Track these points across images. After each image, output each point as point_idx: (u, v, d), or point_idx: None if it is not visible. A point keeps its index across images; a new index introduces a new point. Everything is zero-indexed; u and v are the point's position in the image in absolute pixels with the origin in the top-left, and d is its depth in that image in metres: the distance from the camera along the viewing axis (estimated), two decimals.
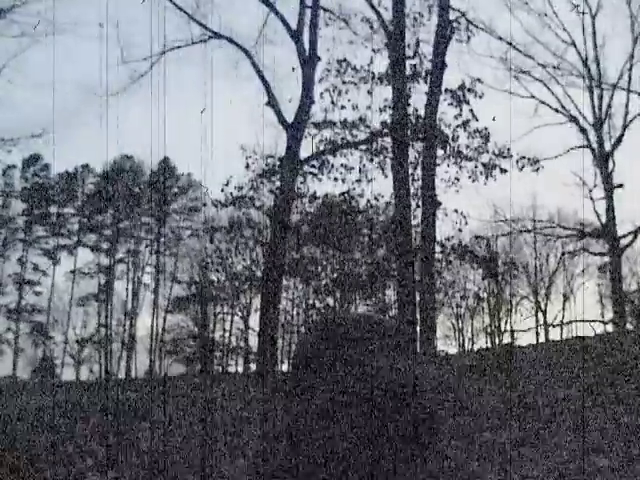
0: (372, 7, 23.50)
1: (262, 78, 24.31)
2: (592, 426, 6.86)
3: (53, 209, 60.74)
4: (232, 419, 7.90)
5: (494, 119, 23.03)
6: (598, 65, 34.62)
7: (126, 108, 57.79)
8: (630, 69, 33.73)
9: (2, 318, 57.26)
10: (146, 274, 60.36)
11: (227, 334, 54.47)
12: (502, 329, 51.98)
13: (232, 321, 53.80)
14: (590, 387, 8.98)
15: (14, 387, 30.18)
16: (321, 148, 24.10)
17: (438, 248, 21.90)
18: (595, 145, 34.34)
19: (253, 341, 48.31)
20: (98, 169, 61.06)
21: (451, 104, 23.28)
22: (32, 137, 29.43)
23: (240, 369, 49.61)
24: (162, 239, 59.67)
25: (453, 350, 41.74)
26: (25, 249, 59.06)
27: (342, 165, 23.87)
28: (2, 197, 58.14)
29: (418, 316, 19.35)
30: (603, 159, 33.73)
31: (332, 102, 23.81)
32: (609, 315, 41.32)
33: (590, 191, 34.05)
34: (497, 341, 47.43)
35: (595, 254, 40.14)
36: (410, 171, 20.91)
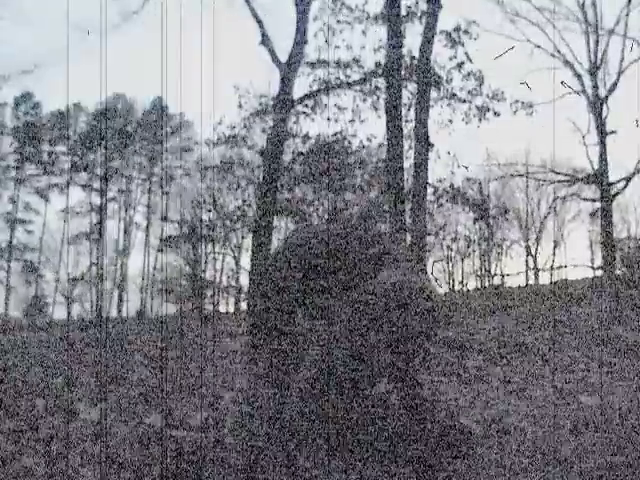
0: None
1: (256, 17, 24.04)
2: (578, 365, 6.92)
3: (45, 147, 60.52)
4: (222, 354, 7.96)
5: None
6: (595, 10, 34.40)
7: (118, 46, 57.46)
8: (627, 15, 33.48)
9: None
10: (138, 213, 60.44)
11: (218, 273, 54.70)
12: (492, 272, 52.30)
13: (223, 261, 53.96)
14: (578, 327, 9.06)
15: (5, 325, 30.29)
16: (314, 88, 24.02)
17: (430, 190, 21.92)
18: (590, 91, 34.23)
19: (244, 281, 48.50)
20: (90, 108, 60.79)
21: (446, 45, 23.20)
22: (23, 72, 29.26)
23: (231, 308, 49.87)
24: (154, 178, 59.62)
25: (443, 292, 41.89)
26: (17, 188, 58.93)
27: (335, 105, 23.84)
28: None
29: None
30: (597, 105, 33.65)
31: (326, 42, 23.68)
32: (599, 261, 41.55)
33: (583, 137, 34.04)
34: (487, 284, 47.72)
35: (587, 200, 40.22)
36: (403, 112, 20.84)
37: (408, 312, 3.29)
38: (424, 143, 20.01)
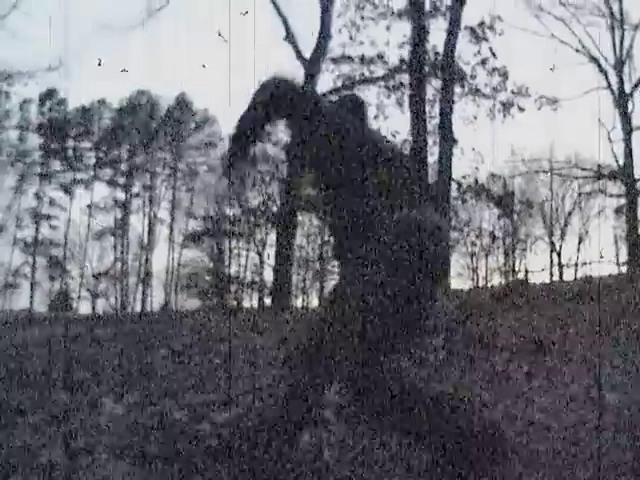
0: None
1: (280, 13, 24.06)
2: (603, 362, 6.89)
3: (69, 143, 60.76)
4: (247, 349, 7.98)
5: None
6: (620, 4, 34.19)
7: (143, 42, 57.68)
8: None
9: (19, 252, 57.73)
10: (162, 209, 60.60)
11: (242, 269, 54.74)
12: (516, 269, 52.13)
13: (247, 256, 53.98)
14: (603, 324, 9.02)
15: (31, 319, 30.47)
16: (338, 84, 24.01)
17: (454, 186, 21.88)
18: (615, 86, 34.06)
19: (268, 276, 48.49)
20: (114, 104, 61.05)
21: (470, 41, 23.12)
22: (49, 69, 29.39)
23: (255, 304, 49.91)
24: (178, 174, 59.77)
25: (467, 288, 41.84)
26: (42, 183, 59.23)
27: None
28: (19, 131, 58.16)
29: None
30: (623, 101, 33.48)
31: (350, 38, 23.68)
32: (624, 257, 41.34)
33: (609, 133, 33.91)
34: (511, 280, 47.53)
35: (612, 196, 40.05)
36: (427, 108, 20.80)
37: (423, 257, 3.12)
38: (448, 139, 19.98)
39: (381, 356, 2.92)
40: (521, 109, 24.08)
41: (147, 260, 58.35)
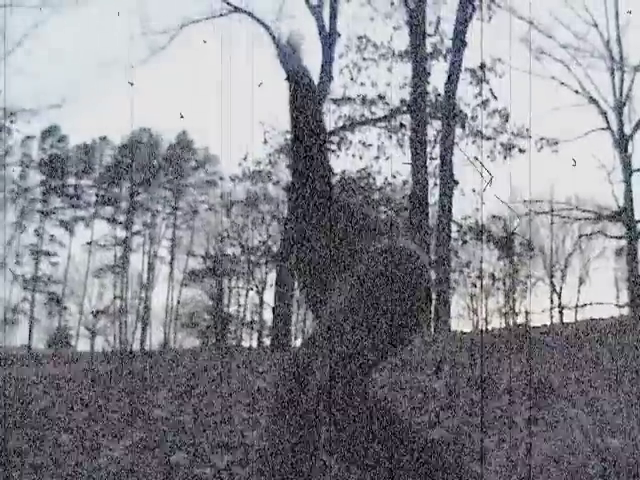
0: None
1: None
2: (605, 407, 6.85)
3: (70, 181, 61.00)
4: (246, 390, 7.94)
5: None
6: (620, 47, 34.41)
7: (145, 81, 58.03)
8: None
9: (18, 288, 57.68)
10: (162, 247, 60.69)
11: (242, 308, 54.63)
12: (517, 310, 51.97)
13: (247, 295, 53.90)
14: (604, 368, 8.98)
15: (29, 356, 30.38)
16: (340, 124, 24.10)
17: (454, 227, 21.92)
18: (615, 128, 34.18)
19: (268, 316, 48.40)
20: (116, 141, 61.34)
21: (471, 83, 23.26)
22: (51, 107, 29.64)
23: (254, 343, 49.79)
24: (178, 212, 59.89)
25: (467, 330, 41.61)
26: (42, 220, 59.33)
27: (360, 142, 23.89)
28: (20, 168, 58.36)
29: (433, 295, 19.31)
30: (623, 142, 33.58)
31: (351, 79, 23.82)
32: (624, 299, 41.25)
33: (609, 174, 33.97)
34: (511, 322, 47.39)
35: (612, 237, 40.05)
36: (428, 149, 20.89)
37: (401, 285, 3.06)
38: (449, 180, 20.04)
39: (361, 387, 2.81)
40: (522, 151, 24.15)
41: (146, 298, 58.34)
